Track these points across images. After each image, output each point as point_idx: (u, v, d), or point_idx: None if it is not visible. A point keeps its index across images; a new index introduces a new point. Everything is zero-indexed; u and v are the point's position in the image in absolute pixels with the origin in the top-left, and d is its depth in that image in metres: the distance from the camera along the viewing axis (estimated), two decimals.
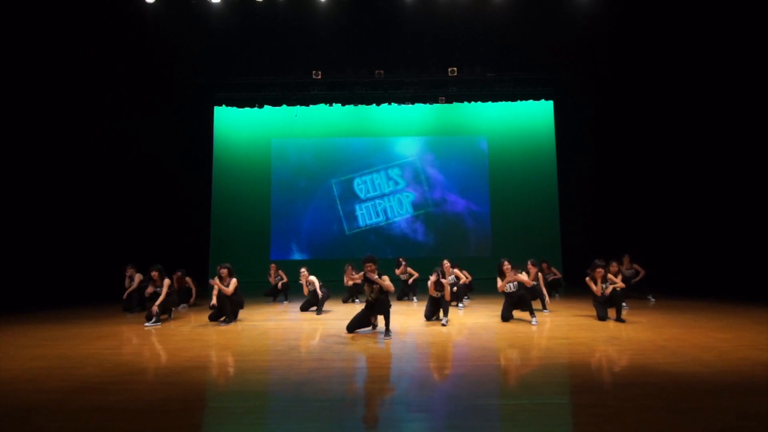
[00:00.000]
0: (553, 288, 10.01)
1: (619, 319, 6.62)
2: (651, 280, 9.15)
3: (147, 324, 7.01)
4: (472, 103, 15.35)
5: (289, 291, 10.16)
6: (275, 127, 16.50)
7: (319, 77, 14.16)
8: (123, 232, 11.75)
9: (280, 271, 10.21)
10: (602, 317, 6.76)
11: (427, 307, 7.18)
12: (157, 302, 7.19)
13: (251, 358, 4.79)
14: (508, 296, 7.01)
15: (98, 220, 11.25)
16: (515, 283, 6.94)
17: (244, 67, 13.92)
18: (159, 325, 7.01)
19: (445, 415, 3.13)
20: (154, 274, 7.52)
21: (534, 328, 6.30)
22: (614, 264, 7.76)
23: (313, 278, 8.44)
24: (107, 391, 3.71)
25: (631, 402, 3.28)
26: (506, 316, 6.93)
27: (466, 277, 9.08)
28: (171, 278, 7.92)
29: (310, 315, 8.00)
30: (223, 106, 15.22)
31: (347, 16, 11.75)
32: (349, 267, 9.59)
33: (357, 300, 9.69)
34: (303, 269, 8.71)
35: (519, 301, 6.90)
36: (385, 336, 5.73)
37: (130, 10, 11.01)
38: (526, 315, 6.89)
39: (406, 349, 5.17)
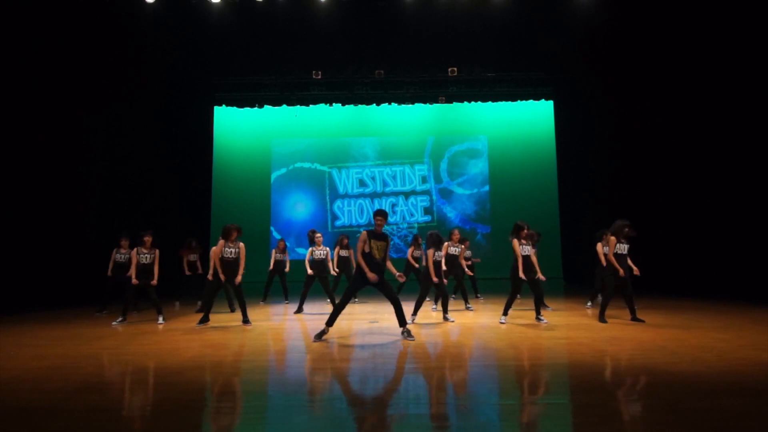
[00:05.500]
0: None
1: (635, 319, 6.51)
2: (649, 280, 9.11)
3: (114, 322, 7.08)
4: (472, 103, 15.35)
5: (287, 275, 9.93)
6: (275, 127, 16.51)
7: (319, 77, 14.17)
8: (122, 232, 11.72)
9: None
10: (603, 310, 6.64)
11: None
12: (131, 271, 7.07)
13: (251, 358, 4.78)
14: (524, 259, 6.70)
15: (97, 221, 11.24)
16: (529, 247, 6.77)
17: (244, 67, 13.93)
18: (125, 323, 7.09)
19: (445, 415, 3.13)
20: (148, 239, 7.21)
21: (538, 326, 6.30)
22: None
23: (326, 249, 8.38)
24: (107, 391, 3.71)
25: (630, 402, 3.28)
26: (518, 281, 6.67)
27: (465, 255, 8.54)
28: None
29: (309, 315, 8.00)
30: (223, 106, 15.23)
31: (347, 16, 11.75)
32: (345, 239, 9.35)
33: (356, 300, 9.68)
34: (318, 234, 8.41)
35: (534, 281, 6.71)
36: (404, 334, 5.61)
37: (129, 9, 11.01)
38: (529, 315, 6.87)
39: (406, 348, 5.17)
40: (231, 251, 6.73)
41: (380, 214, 5.67)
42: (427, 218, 16.20)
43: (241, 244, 6.83)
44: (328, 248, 8.43)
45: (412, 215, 16.24)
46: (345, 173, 16.43)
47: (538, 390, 3.67)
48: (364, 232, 5.67)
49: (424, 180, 16.39)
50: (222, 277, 6.63)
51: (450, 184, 16.32)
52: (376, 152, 16.50)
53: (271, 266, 9.72)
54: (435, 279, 6.78)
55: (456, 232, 7.98)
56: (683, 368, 4.02)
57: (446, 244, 7.27)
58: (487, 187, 16.25)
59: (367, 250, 5.58)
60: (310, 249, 8.27)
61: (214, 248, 6.83)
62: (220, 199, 15.58)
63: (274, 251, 9.86)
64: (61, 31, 10.18)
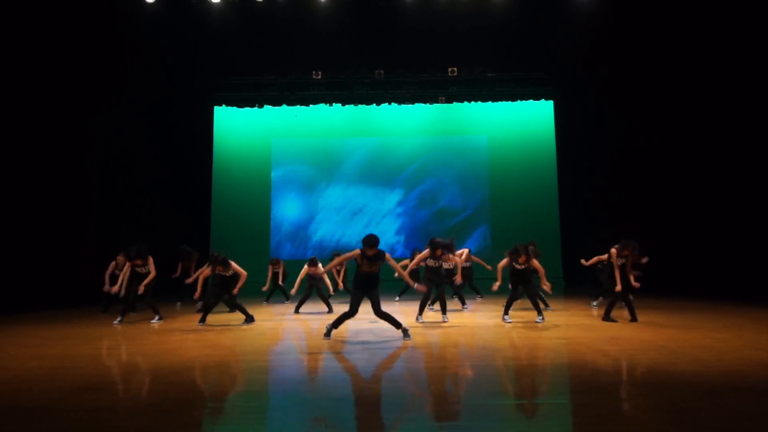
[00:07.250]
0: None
1: (633, 319, 6.50)
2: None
3: (115, 321, 7.10)
4: (472, 102, 15.33)
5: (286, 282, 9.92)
6: (275, 127, 16.50)
7: (319, 77, 14.16)
8: (121, 232, 11.73)
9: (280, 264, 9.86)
10: (610, 310, 6.61)
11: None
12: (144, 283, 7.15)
13: (251, 358, 4.79)
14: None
15: (96, 221, 11.24)
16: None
17: (245, 66, 13.92)
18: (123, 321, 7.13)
19: (445, 415, 3.13)
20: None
21: (539, 326, 6.30)
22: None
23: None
24: (107, 391, 3.71)
25: (630, 402, 3.28)
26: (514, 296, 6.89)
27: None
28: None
29: (309, 315, 8.00)
30: (223, 106, 15.21)
31: (347, 16, 11.75)
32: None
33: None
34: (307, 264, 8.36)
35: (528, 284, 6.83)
36: (404, 336, 5.54)
37: (129, 9, 11.01)
38: (529, 315, 6.87)
39: (406, 349, 5.17)
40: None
41: (373, 242, 5.30)
42: (424, 217, 16.24)
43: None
44: (313, 267, 8.14)
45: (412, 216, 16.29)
46: (346, 175, 16.42)
47: (538, 390, 3.67)
48: (359, 251, 5.38)
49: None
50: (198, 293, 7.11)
51: (449, 185, 16.32)
52: (376, 153, 16.50)
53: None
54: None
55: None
56: (683, 368, 4.01)
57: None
58: (487, 188, 16.23)
59: (365, 268, 5.42)
60: None
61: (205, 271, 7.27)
62: (220, 199, 15.57)
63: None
64: (60, 31, 10.17)
